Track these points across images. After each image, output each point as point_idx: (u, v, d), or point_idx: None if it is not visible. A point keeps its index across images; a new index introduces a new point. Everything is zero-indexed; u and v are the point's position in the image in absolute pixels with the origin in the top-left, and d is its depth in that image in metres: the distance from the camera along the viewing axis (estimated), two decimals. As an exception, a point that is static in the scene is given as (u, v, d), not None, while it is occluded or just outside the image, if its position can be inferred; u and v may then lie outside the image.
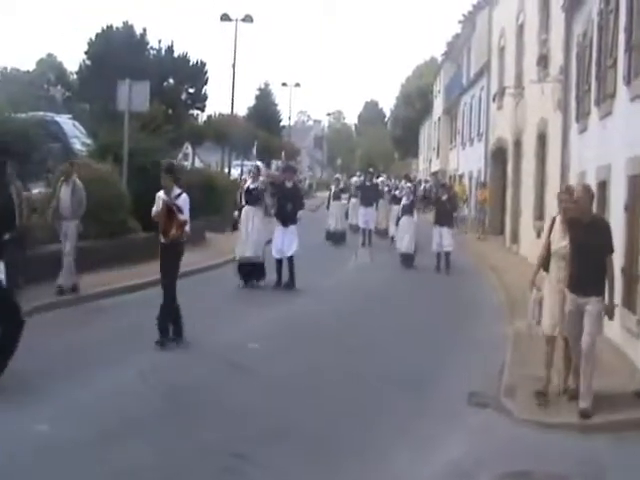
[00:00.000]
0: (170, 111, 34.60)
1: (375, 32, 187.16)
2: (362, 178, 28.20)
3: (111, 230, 15.09)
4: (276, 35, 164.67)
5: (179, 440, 6.46)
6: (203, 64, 45.40)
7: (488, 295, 14.94)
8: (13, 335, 7.59)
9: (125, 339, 9.86)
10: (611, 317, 7.69)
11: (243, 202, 14.70)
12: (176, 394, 7.80)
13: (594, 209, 11.31)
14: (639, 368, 8.95)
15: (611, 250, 7.55)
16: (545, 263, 8.08)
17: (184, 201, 9.68)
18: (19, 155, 12.55)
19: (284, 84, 57.38)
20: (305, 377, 8.64)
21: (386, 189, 27.93)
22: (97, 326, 10.72)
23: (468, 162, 34.48)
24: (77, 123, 22.85)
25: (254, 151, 46.45)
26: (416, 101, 62.30)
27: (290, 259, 14.50)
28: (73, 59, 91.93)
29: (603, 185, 11.25)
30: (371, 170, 28.27)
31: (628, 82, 10.11)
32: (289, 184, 14.96)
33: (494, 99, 25.18)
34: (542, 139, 18.64)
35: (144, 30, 42.10)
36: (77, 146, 19.55)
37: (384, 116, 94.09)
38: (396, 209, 21.14)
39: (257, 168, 16.13)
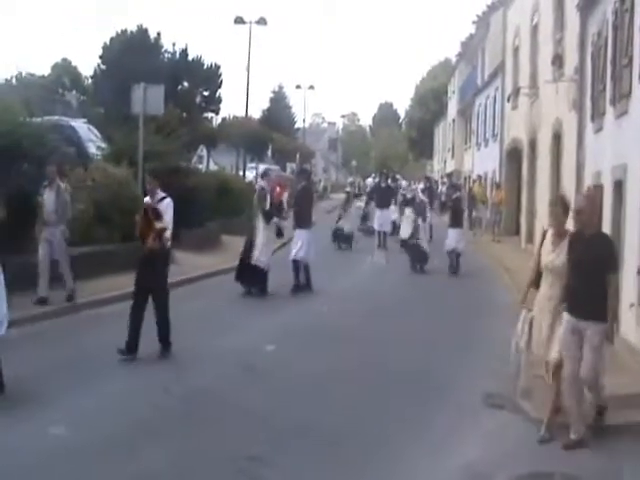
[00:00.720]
0: (184, 114, 34.66)
1: (389, 33, 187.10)
2: (377, 180, 28.09)
3: (124, 234, 15.14)
4: (290, 37, 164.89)
5: (194, 443, 6.47)
6: (217, 67, 45.55)
7: (502, 296, 14.88)
8: None
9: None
10: (611, 342, 6.95)
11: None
12: (191, 397, 7.80)
13: (610, 210, 11.41)
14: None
15: (614, 268, 6.82)
16: (537, 280, 7.27)
17: (167, 206, 9.24)
18: (35, 159, 12.57)
19: (298, 86, 57.39)
20: (321, 378, 8.63)
21: (401, 192, 27.69)
22: (112, 330, 10.63)
23: (483, 163, 34.37)
24: (92, 127, 22.96)
25: (269, 153, 46.49)
26: (431, 102, 62.23)
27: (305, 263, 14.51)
28: (88, 63, 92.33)
29: (619, 185, 11.18)
30: (385, 171, 28.17)
31: (644, 81, 10.05)
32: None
33: (509, 99, 25.09)
34: (557, 139, 18.57)
35: (158, 34, 42.25)
36: (92, 150, 19.70)
37: (398, 117, 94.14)
38: (408, 212, 21.00)
39: (265, 172, 16.05)
